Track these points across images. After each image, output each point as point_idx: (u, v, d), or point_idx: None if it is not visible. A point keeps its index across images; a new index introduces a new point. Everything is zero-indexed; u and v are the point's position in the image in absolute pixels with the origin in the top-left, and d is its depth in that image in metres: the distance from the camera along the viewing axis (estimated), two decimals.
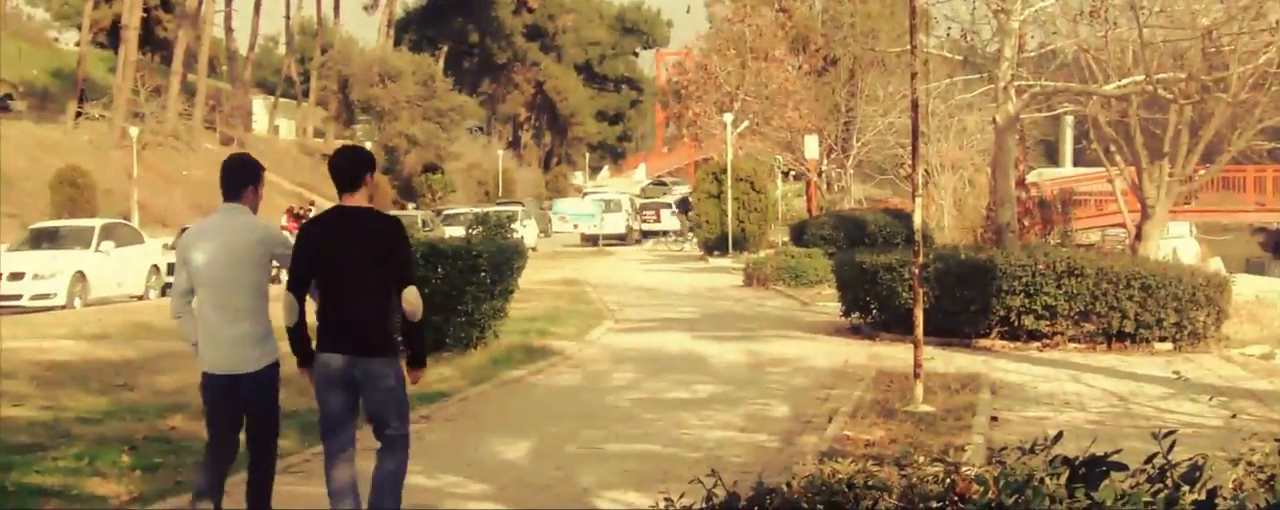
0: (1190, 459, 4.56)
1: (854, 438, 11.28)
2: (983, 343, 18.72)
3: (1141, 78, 22.18)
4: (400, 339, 7.99)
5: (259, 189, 8.32)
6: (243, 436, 8.42)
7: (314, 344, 7.91)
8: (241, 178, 8.22)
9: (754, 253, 41.16)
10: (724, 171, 45.73)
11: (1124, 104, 27.26)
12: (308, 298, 7.89)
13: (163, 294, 33.35)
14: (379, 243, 7.78)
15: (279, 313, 7.89)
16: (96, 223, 34.23)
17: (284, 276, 8.01)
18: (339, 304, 7.83)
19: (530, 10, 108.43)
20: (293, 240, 8.11)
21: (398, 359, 7.94)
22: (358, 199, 7.89)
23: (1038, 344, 18.48)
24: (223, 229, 8.10)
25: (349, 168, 7.92)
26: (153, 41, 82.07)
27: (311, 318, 7.96)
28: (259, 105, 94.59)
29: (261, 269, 8.11)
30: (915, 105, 14.33)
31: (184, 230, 9.14)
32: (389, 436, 7.94)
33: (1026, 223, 30.96)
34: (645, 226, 68.24)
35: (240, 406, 8.16)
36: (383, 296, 7.78)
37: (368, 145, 74.94)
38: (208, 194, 62.53)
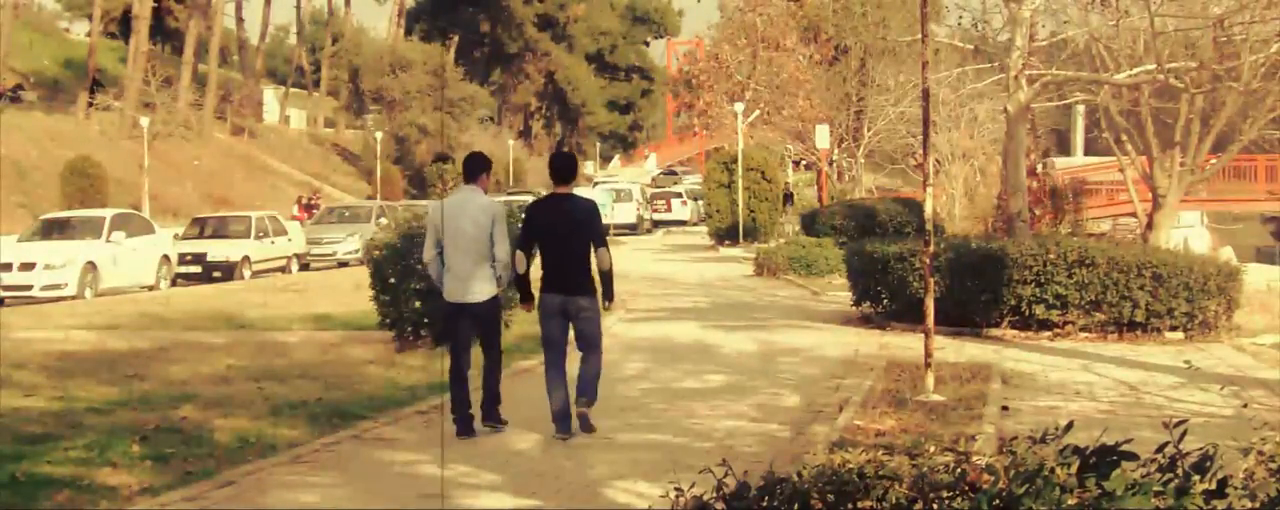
0: (1201, 448, 4.55)
1: (865, 427, 11.27)
2: (994, 332, 18.70)
3: (1153, 67, 22.13)
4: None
5: (489, 176, 11.90)
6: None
7: (537, 287, 11.58)
8: (478, 167, 11.80)
9: (765, 242, 41.14)
10: (735, 161, 45.70)
11: (1135, 93, 27.21)
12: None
13: (173, 284, 33.46)
14: (582, 218, 11.47)
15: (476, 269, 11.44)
16: (107, 213, 34.29)
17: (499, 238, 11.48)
18: (555, 259, 11.50)
19: (541, 0, 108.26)
20: (495, 214, 11.49)
21: (597, 296, 11.55)
22: (568, 188, 11.68)
23: (1049, 333, 18.47)
24: (464, 203, 11.54)
25: (567, 167, 11.82)
26: (164, 32, 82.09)
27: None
28: (270, 95, 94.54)
29: (489, 232, 11.39)
30: (926, 94, 14.31)
31: (439, 201, 12.79)
32: (590, 348, 11.57)
33: (1037, 212, 30.93)
34: (656, 216, 68.13)
35: (472, 326, 11.63)
36: (584, 254, 11.42)
37: (378, 135, 75.03)
38: (219, 184, 62.66)
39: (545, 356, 11.69)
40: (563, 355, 11.53)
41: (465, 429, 11.47)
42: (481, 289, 11.47)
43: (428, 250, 11.73)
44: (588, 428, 11.40)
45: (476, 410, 11.69)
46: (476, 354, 11.83)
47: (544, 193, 53.75)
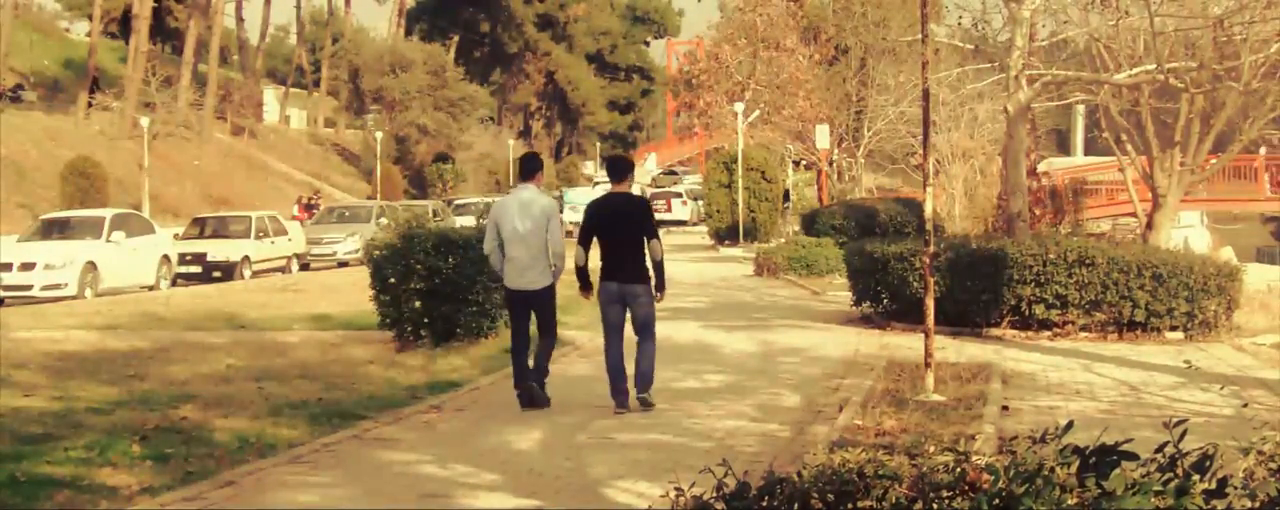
0: (1201, 448, 4.55)
1: (865, 427, 11.27)
2: (994, 332, 18.69)
3: (1153, 67, 22.11)
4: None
5: (541, 176, 13.55)
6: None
7: (597, 276, 12.88)
8: (532, 168, 13.49)
9: (765, 242, 41.12)
10: (735, 161, 45.69)
11: (1135, 93, 27.19)
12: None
13: (173, 284, 33.46)
14: (636, 213, 12.90)
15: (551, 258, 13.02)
16: (107, 213, 34.30)
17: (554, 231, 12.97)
18: (613, 251, 12.80)
19: (541, 0, 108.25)
20: (550, 211, 13.01)
21: (650, 285, 12.80)
22: (624, 187, 13.16)
23: (1049, 333, 18.46)
24: (521, 201, 12.97)
25: (621, 168, 13.34)
26: (164, 31, 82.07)
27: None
28: (270, 95, 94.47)
29: (545, 227, 12.81)
30: (926, 94, 14.30)
31: (492, 201, 15.15)
32: (644, 331, 12.80)
33: (1037, 212, 30.93)
34: (656, 216, 68.05)
35: (530, 309, 13.09)
36: (639, 246, 12.73)
37: (378, 135, 75.02)
38: (219, 184, 62.63)
39: (606, 339, 12.91)
40: (621, 337, 12.87)
41: (527, 402, 12.84)
42: (538, 278, 12.96)
43: (489, 242, 13.13)
44: (647, 406, 12.68)
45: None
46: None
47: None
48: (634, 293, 12.75)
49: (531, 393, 12.89)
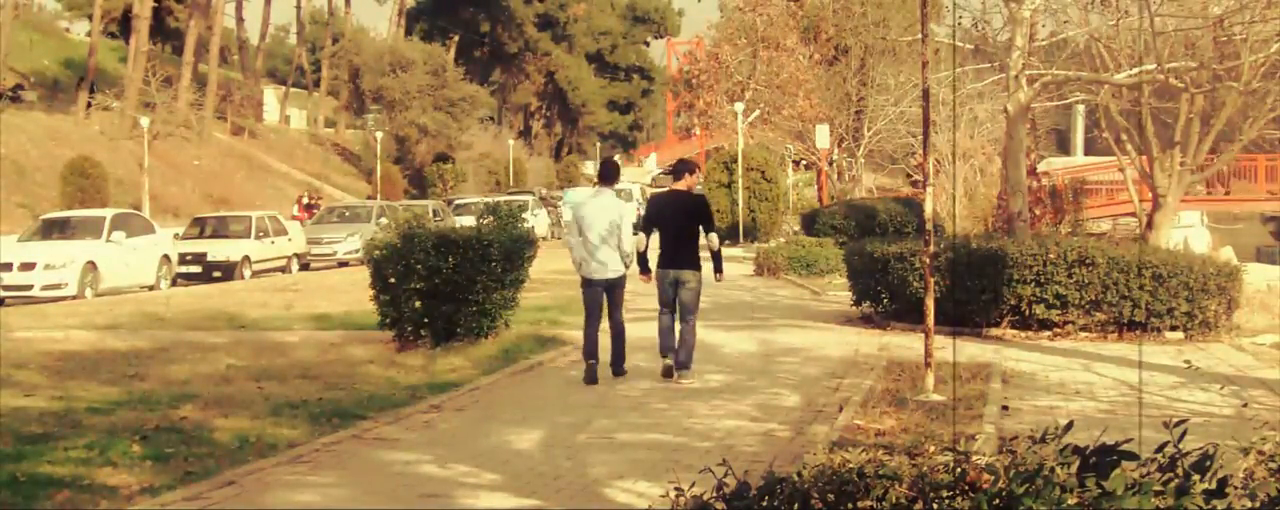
0: (1201, 448, 4.55)
1: (865, 427, 11.26)
2: (994, 332, 18.67)
3: (1153, 66, 22.12)
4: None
5: (618, 178, 15.68)
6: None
7: (654, 262, 14.93)
8: (612, 173, 15.52)
9: (765, 242, 41.11)
10: (735, 161, 45.69)
11: (1135, 93, 27.20)
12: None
13: (173, 284, 33.45)
14: (691, 208, 14.91)
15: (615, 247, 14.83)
16: (107, 213, 34.28)
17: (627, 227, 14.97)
18: (669, 241, 14.81)
19: (541, 0, 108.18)
20: (624, 212, 15.02)
21: (700, 271, 14.83)
22: (680, 185, 15.08)
23: (1049, 333, 18.45)
24: (600, 200, 14.98)
25: (678, 170, 15.31)
26: (164, 31, 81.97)
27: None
28: (270, 95, 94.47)
29: (619, 226, 14.76)
30: (926, 94, 14.30)
31: (569, 200, 16.36)
32: (688, 312, 14.82)
33: (1037, 212, 30.92)
34: None
35: (603, 295, 15.01)
36: (692, 237, 14.74)
37: (378, 135, 75.01)
38: (219, 184, 62.59)
39: (660, 313, 14.99)
40: (673, 311, 14.89)
41: (591, 378, 14.63)
42: (611, 269, 14.88)
43: (572, 238, 15.27)
44: (681, 372, 14.69)
45: (604, 368, 14.94)
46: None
47: (542, 192, 53.71)
48: (685, 278, 14.73)
49: (593, 370, 14.72)
